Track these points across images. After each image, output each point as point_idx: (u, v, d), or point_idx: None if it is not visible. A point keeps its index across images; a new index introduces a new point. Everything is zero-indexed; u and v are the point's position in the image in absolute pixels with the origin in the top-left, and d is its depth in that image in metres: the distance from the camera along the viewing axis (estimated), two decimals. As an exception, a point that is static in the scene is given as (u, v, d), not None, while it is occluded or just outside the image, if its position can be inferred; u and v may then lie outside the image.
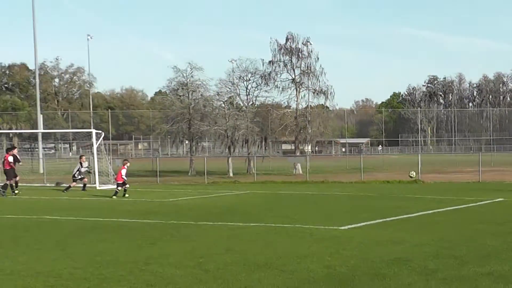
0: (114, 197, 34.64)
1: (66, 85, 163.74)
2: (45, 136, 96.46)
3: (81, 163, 42.03)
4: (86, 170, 42.09)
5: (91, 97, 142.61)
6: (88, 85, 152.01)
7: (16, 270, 14.43)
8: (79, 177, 41.43)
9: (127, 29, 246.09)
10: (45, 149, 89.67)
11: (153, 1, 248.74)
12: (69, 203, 33.49)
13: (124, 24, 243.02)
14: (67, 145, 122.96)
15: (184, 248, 17.48)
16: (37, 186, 44.39)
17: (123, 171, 35.61)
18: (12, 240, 19.93)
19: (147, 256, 16.01)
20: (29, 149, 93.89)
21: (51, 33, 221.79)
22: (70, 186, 40.64)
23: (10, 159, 38.33)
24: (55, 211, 28.74)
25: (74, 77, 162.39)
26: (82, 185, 41.25)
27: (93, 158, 46.91)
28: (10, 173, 37.86)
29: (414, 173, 44.46)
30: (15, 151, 40.55)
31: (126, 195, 34.71)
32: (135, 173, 58.28)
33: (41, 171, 61.83)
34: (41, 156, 77.22)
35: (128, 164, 37.08)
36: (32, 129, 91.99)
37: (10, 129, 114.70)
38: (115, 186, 36.32)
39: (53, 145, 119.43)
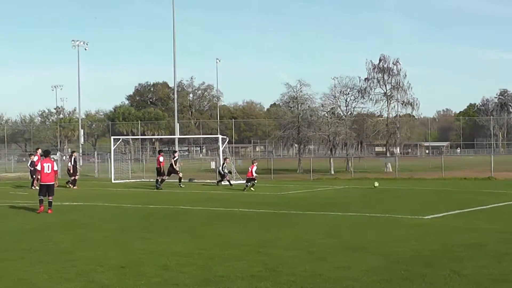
0: (244, 190, 36.50)
1: (198, 99, 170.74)
2: (181, 141, 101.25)
3: (223, 164, 44.09)
4: (227, 171, 43.85)
5: (218, 109, 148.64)
6: (216, 99, 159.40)
7: (155, 250, 15.52)
8: (225, 172, 43.53)
9: (249, 52, 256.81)
10: (181, 151, 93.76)
11: (270, 33, 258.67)
12: (199, 196, 35.40)
13: (247, 48, 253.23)
14: (198, 148, 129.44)
15: (292, 233, 18.40)
16: (173, 181, 45.96)
17: (254, 169, 37.41)
18: (152, 225, 21.28)
19: (262, 240, 16.95)
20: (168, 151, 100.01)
21: (187, 57, 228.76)
22: (225, 180, 42.98)
23: (161, 159, 41.19)
24: (188, 202, 30.56)
25: (205, 93, 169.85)
26: (227, 182, 42.85)
27: (219, 159, 49.80)
28: (168, 171, 41.22)
29: (377, 184, 44.91)
30: (176, 154, 44.40)
31: (252, 189, 36.71)
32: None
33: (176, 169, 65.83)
34: (177, 155, 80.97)
35: (256, 163, 38.98)
36: (170, 135, 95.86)
37: (153, 135, 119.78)
38: (245, 181, 38.43)
39: (187, 148, 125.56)
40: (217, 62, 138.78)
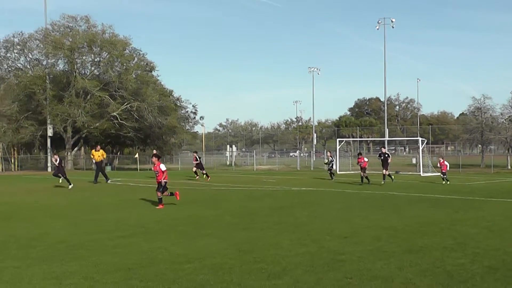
0: (446, 182, 34.57)
1: (403, 110, 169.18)
2: (389, 142, 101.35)
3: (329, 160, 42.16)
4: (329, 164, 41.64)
5: (418, 117, 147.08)
6: (417, 110, 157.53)
7: (370, 225, 15.41)
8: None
9: (444, 72, 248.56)
10: (388, 150, 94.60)
11: (460, 55, 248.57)
12: (403, 184, 34.37)
13: (442, 69, 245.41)
14: (402, 148, 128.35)
15: (477, 215, 17.76)
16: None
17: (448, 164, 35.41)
18: (367, 205, 20.89)
19: (452, 220, 16.51)
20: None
21: (394, 77, 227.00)
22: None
23: (365, 159, 38.61)
24: (396, 189, 29.75)
25: (408, 105, 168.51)
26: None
27: (419, 157, 49.33)
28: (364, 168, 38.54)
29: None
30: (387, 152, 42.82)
31: (448, 182, 34.69)
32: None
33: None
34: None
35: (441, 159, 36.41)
36: (381, 138, 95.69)
37: (368, 138, 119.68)
38: (440, 174, 36.19)
39: (394, 147, 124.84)
40: (417, 81, 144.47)
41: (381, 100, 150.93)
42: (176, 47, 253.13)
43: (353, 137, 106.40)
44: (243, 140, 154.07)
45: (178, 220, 16.75)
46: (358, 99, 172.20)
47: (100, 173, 37.29)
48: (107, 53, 66.97)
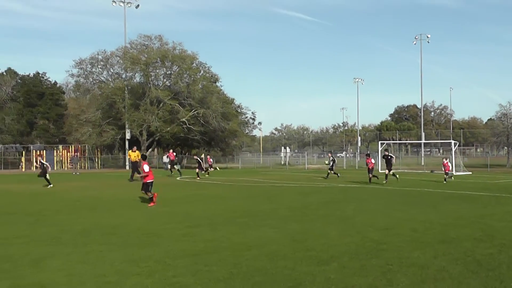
0: (448, 179, 33.57)
1: (437, 116, 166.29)
2: (425, 145, 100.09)
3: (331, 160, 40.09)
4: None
5: (451, 122, 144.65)
6: (449, 116, 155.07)
7: (408, 218, 15.14)
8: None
9: (473, 80, 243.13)
10: (424, 152, 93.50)
11: (488, 64, 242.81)
12: (439, 182, 33.71)
13: (473, 77, 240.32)
14: (437, 149, 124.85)
15: (504, 210, 17.37)
16: (418, 172, 45.19)
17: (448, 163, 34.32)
18: (406, 201, 20.61)
19: (481, 214, 16.13)
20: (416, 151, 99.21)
21: (430, 86, 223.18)
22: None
23: (372, 160, 34.67)
24: (428, 186, 29.41)
25: (442, 111, 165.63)
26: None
27: (452, 158, 48.40)
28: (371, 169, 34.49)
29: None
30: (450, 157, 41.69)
31: (445, 182, 33.25)
32: (473, 164, 59.81)
33: (422, 164, 65.96)
34: (422, 154, 79.98)
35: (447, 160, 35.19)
36: (418, 140, 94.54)
37: (406, 140, 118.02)
38: (443, 173, 34.90)
39: (429, 149, 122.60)
40: (450, 90, 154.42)
41: (418, 107, 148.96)
42: (238, 61, 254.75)
43: (393, 140, 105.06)
44: (296, 143, 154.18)
45: (238, 213, 16.82)
46: (398, 106, 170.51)
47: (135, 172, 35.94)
48: (177, 67, 67.84)
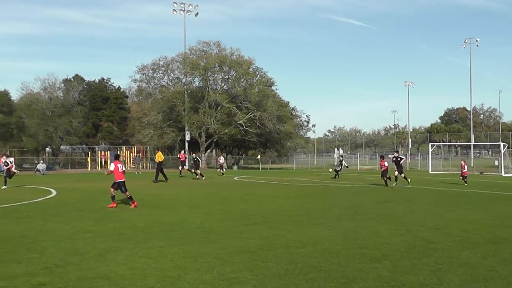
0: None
1: (486, 118, 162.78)
2: (474, 146, 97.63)
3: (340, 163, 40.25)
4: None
5: (500, 124, 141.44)
6: (498, 118, 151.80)
7: (458, 218, 14.93)
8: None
9: None
10: (474, 154, 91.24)
11: None
12: (486, 183, 33.40)
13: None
14: (486, 151, 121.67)
15: None
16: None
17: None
18: (455, 202, 20.26)
19: None
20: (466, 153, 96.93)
21: (479, 89, 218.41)
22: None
23: (386, 163, 31.16)
24: (478, 187, 29.05)
25: (491, 114, 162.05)
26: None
27: (501, 159, 47.16)
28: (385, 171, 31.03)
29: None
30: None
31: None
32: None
33: (471, 165, 63.08)
34: (472, 156, 78.22)
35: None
36: (468, 142, 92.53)
37: (455, 142, 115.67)
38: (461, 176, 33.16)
39: (478, 151, 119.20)
40: (499, 93, 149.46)
41: (468, 109, 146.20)
42: (292, 66, 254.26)
43: (443, 142, 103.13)
44: (348, 144, 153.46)
45: (293, 211, 16.80)
46: (447, 109, 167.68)
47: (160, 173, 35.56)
48: (234, 72, 68.34)
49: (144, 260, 9.22)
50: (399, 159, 30.70)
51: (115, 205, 18.38)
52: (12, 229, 12.96)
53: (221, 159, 52.48)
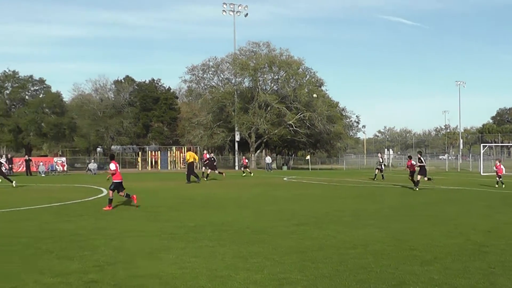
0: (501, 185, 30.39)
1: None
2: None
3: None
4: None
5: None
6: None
7: (509, 221, 14.63)
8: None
9: None
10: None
11: None
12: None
13: None
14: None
15: None
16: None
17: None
18: (506, 204, 19.91)
19: None
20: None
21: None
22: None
23: (413, 162, 30.31)
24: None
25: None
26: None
27: None
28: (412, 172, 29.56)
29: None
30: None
31: (503, 185, 30.60)
32: None
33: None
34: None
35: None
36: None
37: (509, 143, 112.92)
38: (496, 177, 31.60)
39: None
40: None
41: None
42: (342, 66, 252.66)
43: (495, 143, 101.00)
44: (399, 145, 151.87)
45: (344, 212, 16.70)
46: (500, 109, 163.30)
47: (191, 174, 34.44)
48: (284, 72, 68.38)
49: (195, 260, 9.31)
50: (420, 161, 28.77)
51: (110, 208, 17.61)
52: (65, 227, 13.26)
53: (246, 160, 52.68)
